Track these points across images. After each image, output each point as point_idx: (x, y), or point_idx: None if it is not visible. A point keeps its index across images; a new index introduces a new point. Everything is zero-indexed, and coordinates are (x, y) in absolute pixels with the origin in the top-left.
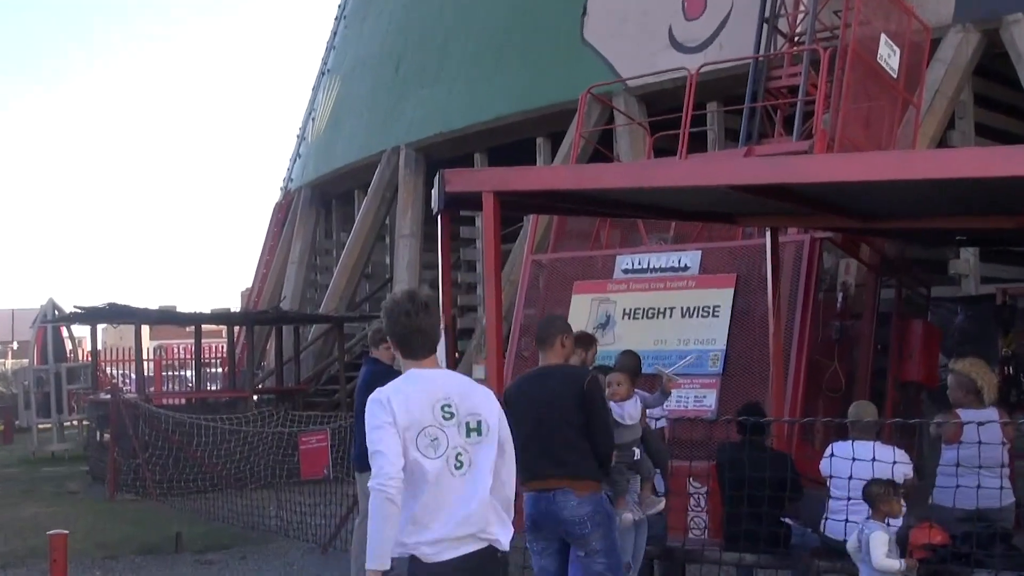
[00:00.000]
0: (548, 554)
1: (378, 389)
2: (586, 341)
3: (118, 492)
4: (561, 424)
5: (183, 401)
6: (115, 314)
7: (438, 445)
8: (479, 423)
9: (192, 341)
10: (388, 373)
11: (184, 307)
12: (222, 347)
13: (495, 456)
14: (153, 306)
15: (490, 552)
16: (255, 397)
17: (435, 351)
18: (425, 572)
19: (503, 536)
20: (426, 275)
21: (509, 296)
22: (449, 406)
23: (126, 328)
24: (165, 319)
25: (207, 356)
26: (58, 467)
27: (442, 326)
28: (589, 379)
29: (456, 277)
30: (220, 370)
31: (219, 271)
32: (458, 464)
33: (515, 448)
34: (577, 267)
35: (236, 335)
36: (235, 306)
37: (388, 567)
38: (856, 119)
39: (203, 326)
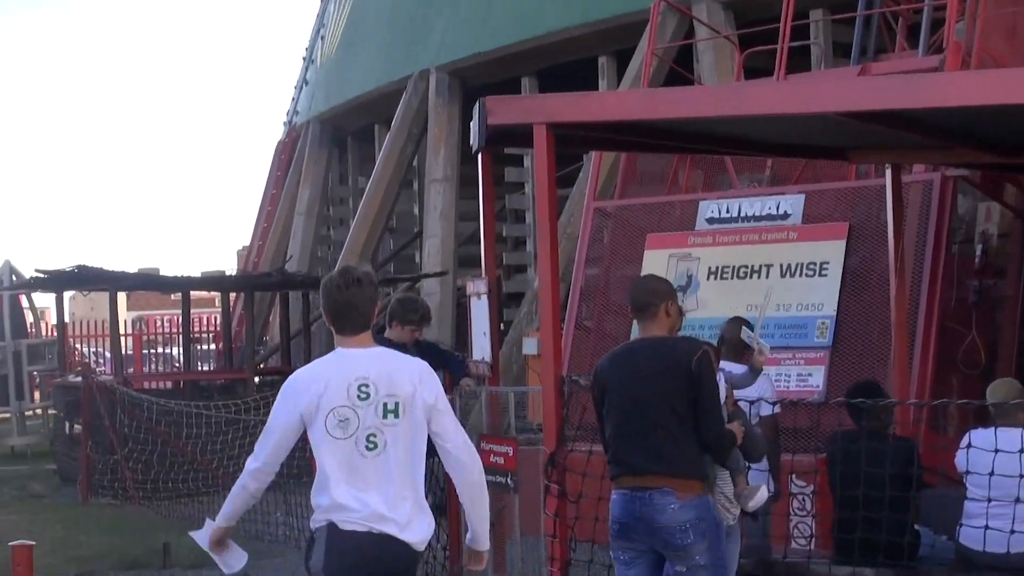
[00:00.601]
0: (638, 566)
1: (298, 369)
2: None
3: (92, 495)
4: (662, 410)
5: (169, 384)
6: (85, 279)
7: (347, 425)
8: (396, 404)
9: (179, 312)
10: None
11: (169, 270)
12: (215, 319)
13: (414, 438)
14: (131, 269)
15: (398, 545)
16: (256, 379)
17: (366, 329)
18: (339, 538)
19: (415, 531)
20: (463, 228)
21: (566, 253)
22: (366, 386)
23: (98, 296)
24: (146, 284)
25: (197, 330)
26: (19, 466)
27: (482, 290)
28: (699, 355)
29: (501, 230)
30: (213, 347)
31: (210, 227)
32: (369, 445)
33: (607, 436)
34: (650, 216)
35: (232, 304)
36: (231, 268)
37: (223, 528)
38: (998, 28)
39: (192, 293)
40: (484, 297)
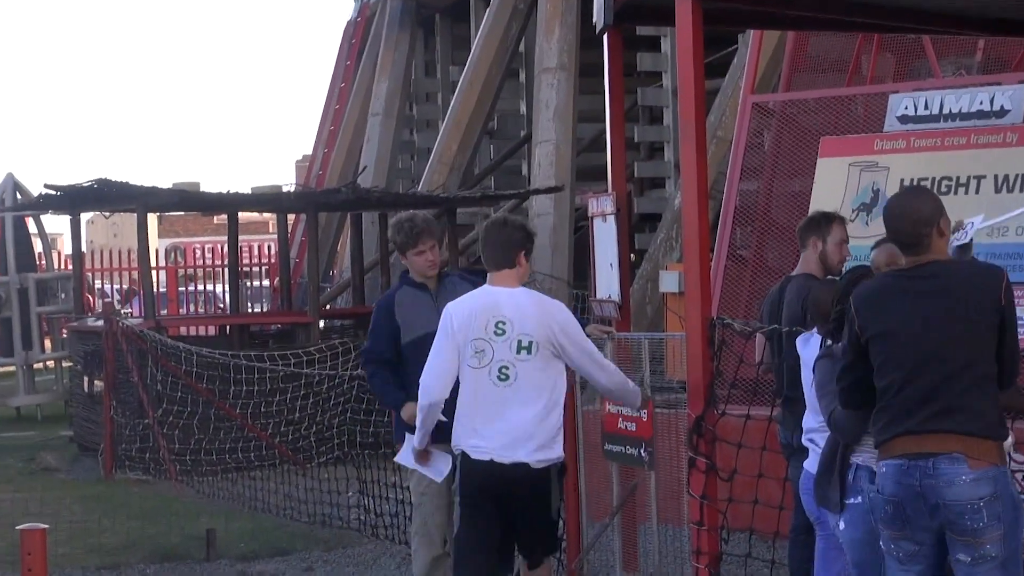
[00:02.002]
0: (919, 561)
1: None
2: (821, 224)
3: (118, 469)
4: (963, 354)
5: (213, 330)
6: (106, 196)
7: (482, 357)
8: (531, 343)
9: (223, 239)
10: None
11: (211, 186)
12: (269, 248)
13: (544, 374)
14: (164, 185)
15: (520, 469)
16: (322, 323)
17: (506, 266)
18: (469, 467)
19: (536, 453)
20: (583, 131)
21: (717, 161)
22: (503, 323)
23: (124, 219)
24: (183, 203)
25: (247, 262)
26: (27, 431)
27: (608, 210)
28: (1005, 284)
29: (632, 133)
30: (267, 283)
31: (263, 133)
32: (501, 376)
33: (890, 390)
34: (826, 114)
35: (291, 228)
36: (288, 183)
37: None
38: None
39: (240, 215)
40: (611, 219)
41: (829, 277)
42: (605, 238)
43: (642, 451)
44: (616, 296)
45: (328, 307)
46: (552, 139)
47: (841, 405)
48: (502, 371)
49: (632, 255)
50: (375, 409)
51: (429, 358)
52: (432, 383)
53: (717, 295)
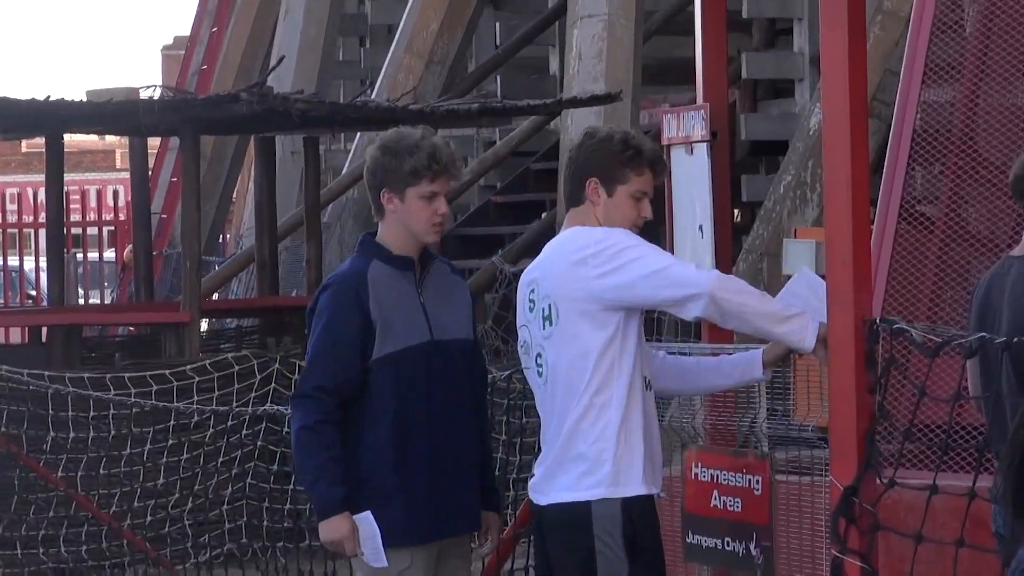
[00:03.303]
0: None
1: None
2: None
3: None
4: None
5: (18, 335)
6: None
7: (527, 348)
8: (550, 306)
9: (39, 179)
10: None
11: (23, 91)
12: (117, 194)
13: (570, 354)
14: None
15: (553, 515)
16: (205, 324)
17: (572, 203)
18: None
19: (558, 491)
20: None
21: (881, 50)
22: (534, 290)
23: None
24: None
25: (79, 219)
26: None
27: (699, 133)
28: None
29: (738, 3)
30: (112, 256)
31: (111, 11)
32: (539, 370)
33: None
34: None
35: (154, 163)
36: (151, 84)
37: None
38: None
39: (69, 138)
40: (700, 150)
41: None
42: (690, 182)
43: (752, 547)
44: None
45: (216, 297)
46: (602, 12)
47: None
48: (539, 363)
49: (736, 212)
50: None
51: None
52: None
53: (883, 281)
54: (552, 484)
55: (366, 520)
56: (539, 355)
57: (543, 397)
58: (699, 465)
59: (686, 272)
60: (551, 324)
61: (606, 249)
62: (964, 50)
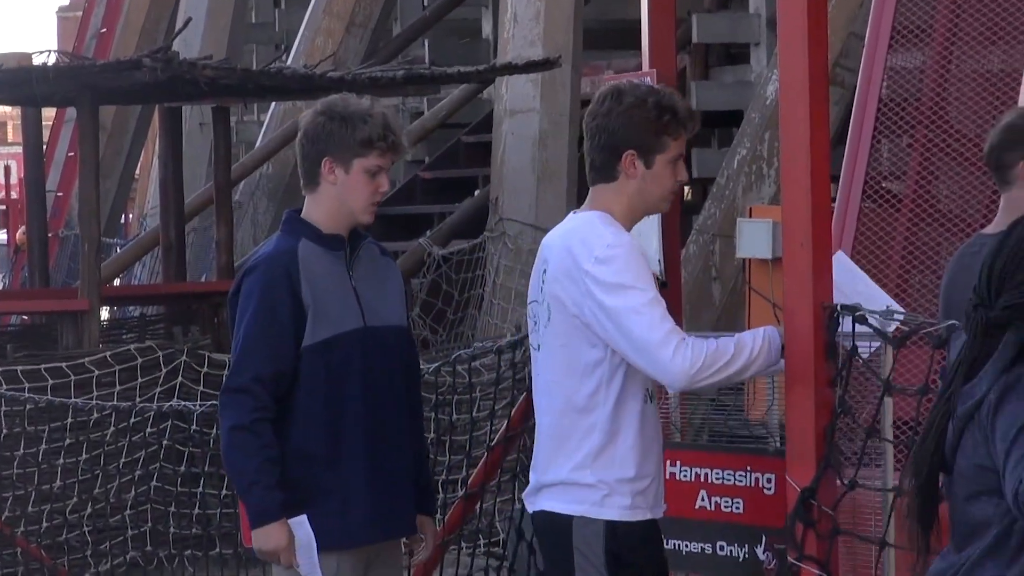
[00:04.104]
0: None
1: None
2: None
3: None
4: None
5: None
6: None
7: (536, 332)
8: (548, 305)
9: None
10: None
11: None
12: (8, 169)
13: (567, 352)
14: None
15: (543, 519)
16: (106, 313)
17: (602, 178)
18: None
19: (558, 496)
20: None
21: (844, 10)
22: (546, 271)
23: None
24: None
25: None
26: None
27: None
28: None
29: None
30: (4, 236)
31: None
32: (537, 366)
33: None
34: None
35: (49, 135)
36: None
37: None
38: None
39: None
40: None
41: None
42: None
43: (760, 550)
44: (656, 266)
45: (118, 283)
46: None
47: None
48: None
49: (687, 189)
50: (209, 473)
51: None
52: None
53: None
54: (539, 492)
55: (302, 526)
56: (539, 345)
57: (536, 393)
58: (677, 464)
59: (662, 358)
60: (545, 324)
61: (606, 277)
62: (934, 12)
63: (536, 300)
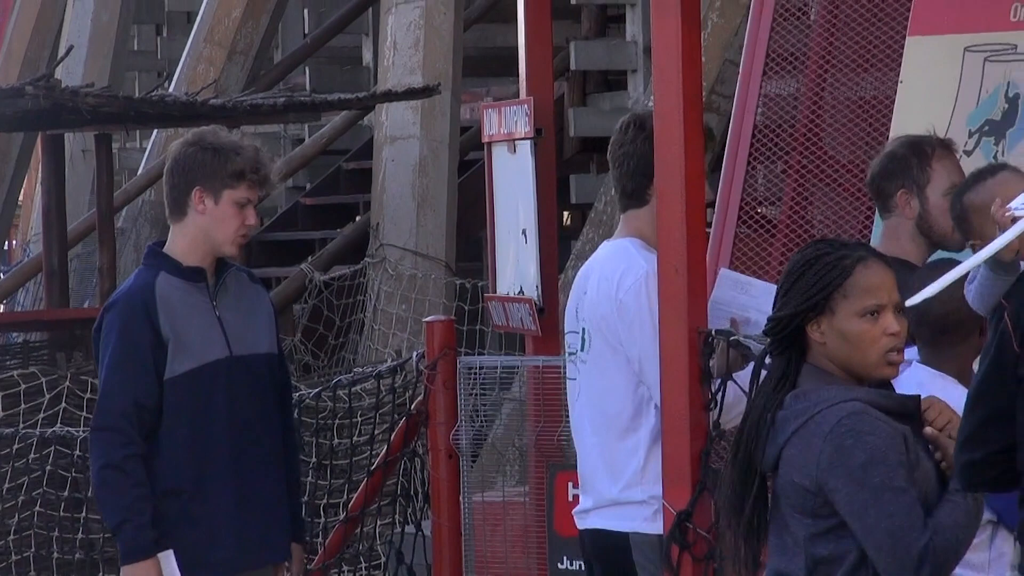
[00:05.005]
0: None
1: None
2: (918, 160)
3: None
4: None
5: None
6: None
7: (574, 361)
8: (583, 330)
9: None
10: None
11: None
12: None
13: (603, 385)
14: None
15: (603, 537)
16: None
17: (634, 204)
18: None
19: (612, 516)
20: None
21: (719, 38)
22: (583, 298)
23: None
24: None
25: None
26: None
27: (523, 131)
28: None
29: None
30: None
31: None
32: (575, 390)
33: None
34: None
35: None
36: None
37: None
38: None
39: None
40: (524, 148)
41: (938, 258)
42: (513, 183)
43: None
44: (534, 292)
45: (1, 309)
46: None
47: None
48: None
49: (565, 214)
50: (92, 498)
51: None
52: None
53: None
54: (590, 512)
55: (168, 561)
56: (577, 371)
57: (575, 417)
58: (576, 486)
59: None
60: (583, 350)
61: (640, 311)
62: (808, 39)
63: (573, 330)
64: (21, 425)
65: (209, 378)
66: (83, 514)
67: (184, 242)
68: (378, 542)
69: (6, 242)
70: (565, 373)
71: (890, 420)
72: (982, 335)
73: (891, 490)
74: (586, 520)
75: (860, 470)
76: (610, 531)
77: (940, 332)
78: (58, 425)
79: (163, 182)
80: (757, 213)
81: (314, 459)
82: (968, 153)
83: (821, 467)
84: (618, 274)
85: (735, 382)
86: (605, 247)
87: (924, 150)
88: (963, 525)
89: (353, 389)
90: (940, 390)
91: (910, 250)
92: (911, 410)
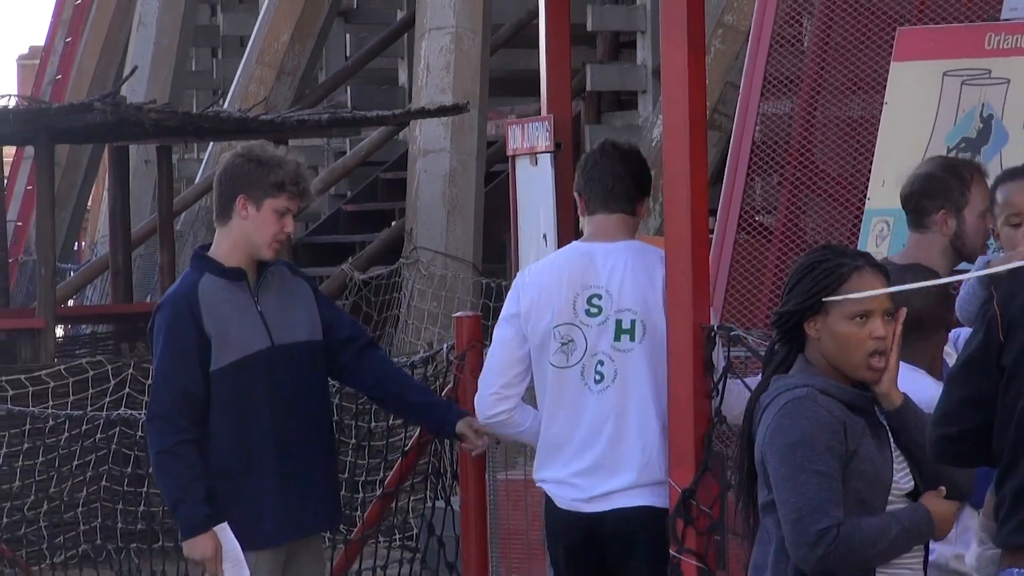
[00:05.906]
0: None
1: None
2: (959, 183)
3: None
4: None
5: None
6: None
7: (571, 350)
8: (633, 322)
9: None
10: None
11: None
12: None
13: (656, 373)
14: None
15: (617, 518)
16: (60, 330)
17: (622, 210)
18: (555, 520)
19: (640, 495)
20: (503, 13)
21: (721, 63)
22: (599, 297)
23: None
24: None
25: None
26: None
27: (542, 144)
28: None
29: (583, 16)
30: None
31: None
32: (597, 377)
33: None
34: None
35: (9, 171)
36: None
37: None
38: None
39: None
40: (545, 160)
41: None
42: (534, 192)
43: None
44: None
45: (71, 303)
46: (450, 25)
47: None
48: (599, 370)
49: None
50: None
51: (487, 359)
52: (485, 397)
53: (722, 290)
54: (621, 491)
55: (224, 533)
56: (600, 362)
57: (593, 403)
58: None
59: None
60: (632, 339)
61: None
62: (802, 64)
63: (576, 325)
64: (89, 408)
65: (252, 368)
66: (144, 489)
67: (227, 244)
68: (411, 516)
69: (76, 243)
70: (551, 363)
71: (843, 409)
72: (947, 331)
73: (809, 472)
74: (613, 500)
75: (787, 448)
76: (655, 507)
77: (911, 328)
78: (122, 408)
79: (213, 188)
80: (755, 221)
81: (354, 440)
82: None
83: (764, 443)
84: (653, 267)
85: (742, 381)
86: (616, 245)
87: (963, 175)
88: (873, 543)
89: None
90: (910, 381)
91: (939, 263)
92: (864, 404)
